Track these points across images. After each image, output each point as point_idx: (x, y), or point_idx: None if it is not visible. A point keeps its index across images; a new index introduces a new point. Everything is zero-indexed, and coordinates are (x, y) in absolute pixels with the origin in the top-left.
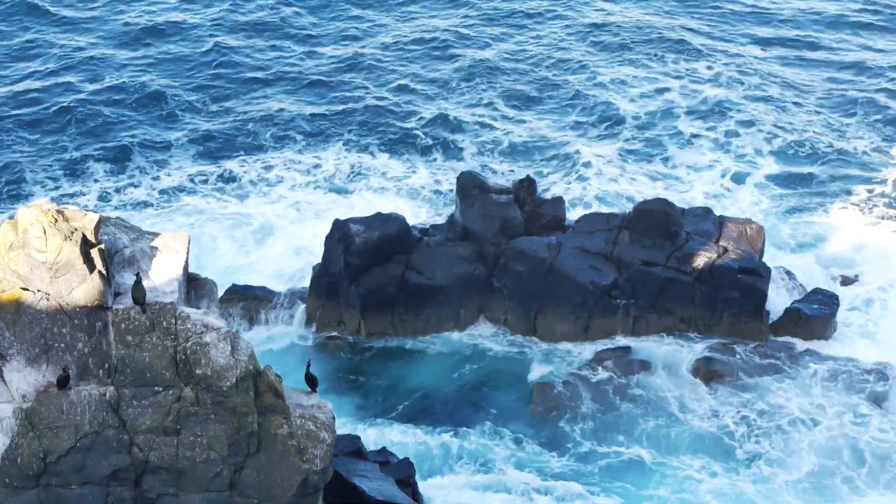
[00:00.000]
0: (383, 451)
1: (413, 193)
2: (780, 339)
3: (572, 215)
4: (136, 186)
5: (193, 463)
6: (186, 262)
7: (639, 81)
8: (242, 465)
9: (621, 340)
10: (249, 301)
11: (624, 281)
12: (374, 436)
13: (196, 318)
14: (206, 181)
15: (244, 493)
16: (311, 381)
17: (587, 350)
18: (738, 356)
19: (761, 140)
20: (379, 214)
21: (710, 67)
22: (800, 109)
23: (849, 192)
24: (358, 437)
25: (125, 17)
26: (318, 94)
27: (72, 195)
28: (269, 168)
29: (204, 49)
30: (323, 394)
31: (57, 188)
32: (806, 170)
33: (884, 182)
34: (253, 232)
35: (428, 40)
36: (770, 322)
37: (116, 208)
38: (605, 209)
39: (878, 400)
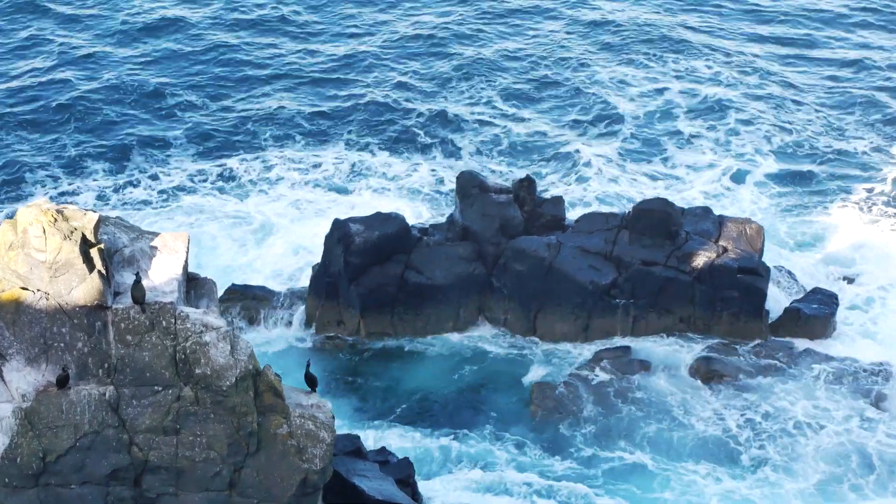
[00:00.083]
0: (383, 450)
1: (413, 192)
2: (779, 338)
3: (572, 215)
4: (135, 185)
5: (193, 462)
6: (186, 261)
7: (638, 80)
8: (242, 464)
9: (621, 340)
10: (249, 301)
11: (623, 280)
12: (373, 439)
13: (195, 318)
14: (205, 180)
15: (244, 493)
16: (311, 381)
17: (587, 350)
18: (737, 356)
19: (761, 139)
20: (378, 214)
21: (709, 66)
22: (799, 108)
23: (848, 192)
24: (357, 437)
25: (124, 14)
26: (319, 92)
27: (71, 193)
28: (269, 167)
29: (204, 47)
30: (321, 396)
31: (56, 187)
32: (805, 169)
33: (884, 181)
34: (252, 231)
35: (428, 38)
36: (769, 322)
37: (116, 207)
38: (604, 209)
39: (878, 399)
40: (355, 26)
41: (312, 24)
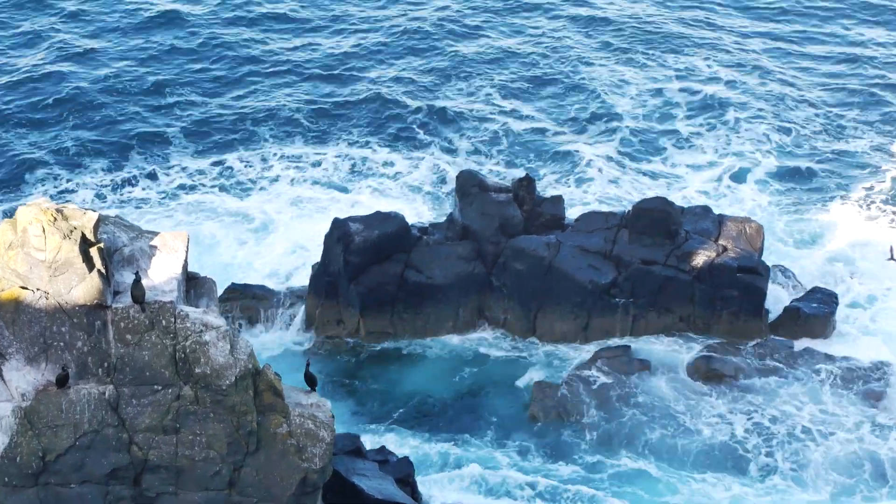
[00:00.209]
0: (382, 449)
1: (413, 191)
2: (779, 337)
3: (571, 214)
4: (134, 184)
5: (193, 461)
6: (186, 260)
7: (638, 79)
8: (241, 463)
9: (620, 339)
10: (249, 300)
11: (623, 280)
12: (370, 444)
13: (195, 317)
14: (205, 178)
15: (243, 492)
16: (311, 380)
17: (587, 350)
18: (737, 355)
19: (761, 138)
20: (378, 213)
21: (709, 65)
22: (799, 107)
23: (848, 190)
24: (357, 436)
25: (123, 9)
26: (319, 88)
27: (70, 192)
28: (269, 165)
29: (203, 43)
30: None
31: (56, 185)
32: (805, 168)
33: (884, 180)
34: (252, 230)
35: (429, 35)
36: (769, 321)
37: (115, 206)
38: (604, 208)
39: (877, 398)
40: (356, 23)
41: (312, 21)
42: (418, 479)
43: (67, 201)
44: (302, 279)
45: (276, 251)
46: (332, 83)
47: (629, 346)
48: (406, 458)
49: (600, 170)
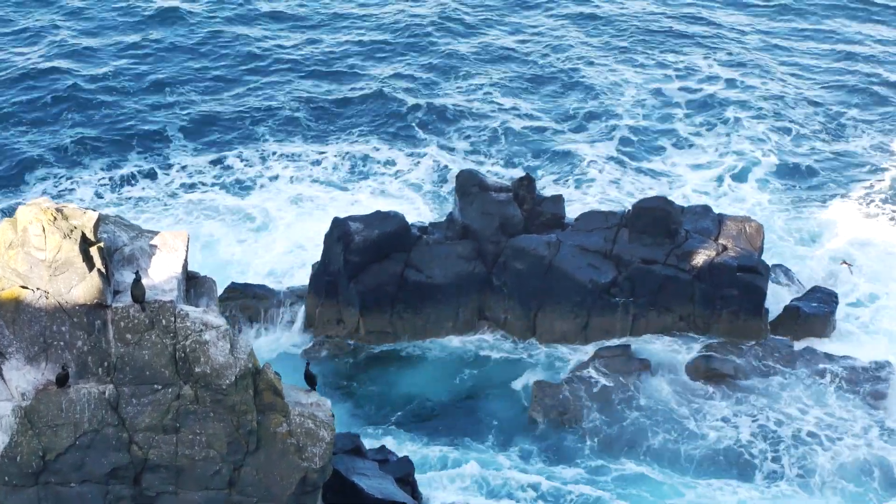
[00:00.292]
0: (382, 449)
1: (414, 189)
2: (778, 337)
3: (571, 212)
4: (133, 183)
5: (193, 461)
6: (186, 260)
7: (638, 78)
8: (241, 463)
9: (620, 339)
10: (249, 299)
11: (623, 279)
12: (370, 447)
13: (195, 317)
14: (205, 177)
15: (243, 492)
16: (311, 380)
17: (586, 350)
18: (737, 355)
19: (761, 136)
20: (378, 212)
21: (709, 64)
22: (799, 105)
23: (849, 190)
24: (357, 436)
25: (122, 7)
26: (319, 87)
27: (69, 190)
28: (269, 164)
29: (202, 41)
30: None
31: (56, 185)
32: (806, 167)
33: (884, 179)
34: (252, 229)
35: (429, 34)
36: (769, 320)
37: (114, 204)
38: (604, 207)
39: (877, 398)
40: (356, 21)
41: (312, 18)
42: (418, 478)
43: (67, 200)
44: (302, 278)
45: (276, 250)
46: (332, 81)
47: (629, 346)
48: (406, 458)
49: (601, 171)
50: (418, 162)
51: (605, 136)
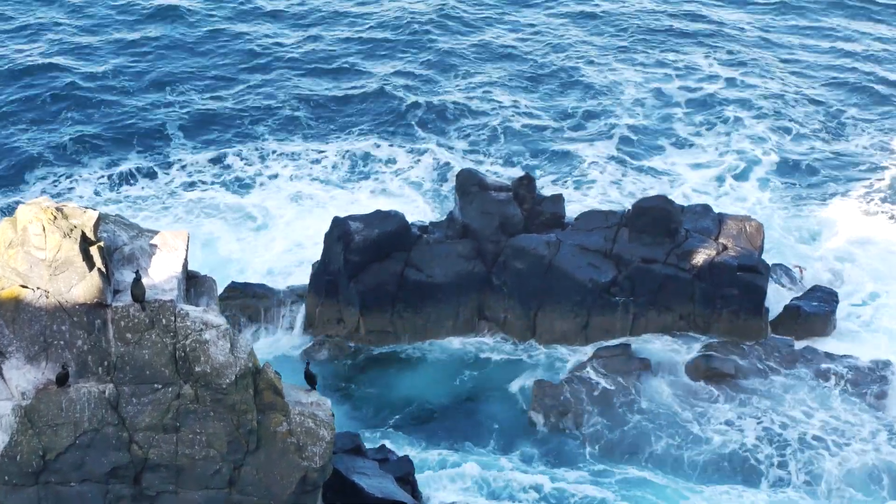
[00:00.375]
0: (382, 448)
1: (414, 188)
2: (779, 336)
3: (571, 211)
4: (133, 182)
5: (193, 460)
6: (186, 259)
7: (638, 76)
8: (242, 462)
9: (620, 338)
10: (249, 298)
11: (623, 278)
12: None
13: (195, 316)
14: (204, 175)
15: (243, 491)
16: (311, 379)
17: (586, 351)
18: (738, 354)
19: (761, 136)
20: (378, 212)
21: (709, 63)
22: (799, 104)
23: (849, 188)
24: (357, 435)
25: (121, 4)
26: (319, 85)
27: (68, 189)
28: (268, 162)
29: (203, 39)
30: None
31: (55, 184)
32: (806, 165)
33: (884, 178)
34: (252, 228)
35: (429, 32)
36: (769, 319)
37: (114, 203)
38: (604, 206)
39: (877, 398)
40: (355, 19)
41: (311, 16)
42: (418, 478)
43: (67, 199)
44: (301, 277)
45: (276, 249)
46: (332, 79)
47: (629, 345)
48: (406, 457)
49: (601, 170)
50: (418, 160)
51: (604, 135)
